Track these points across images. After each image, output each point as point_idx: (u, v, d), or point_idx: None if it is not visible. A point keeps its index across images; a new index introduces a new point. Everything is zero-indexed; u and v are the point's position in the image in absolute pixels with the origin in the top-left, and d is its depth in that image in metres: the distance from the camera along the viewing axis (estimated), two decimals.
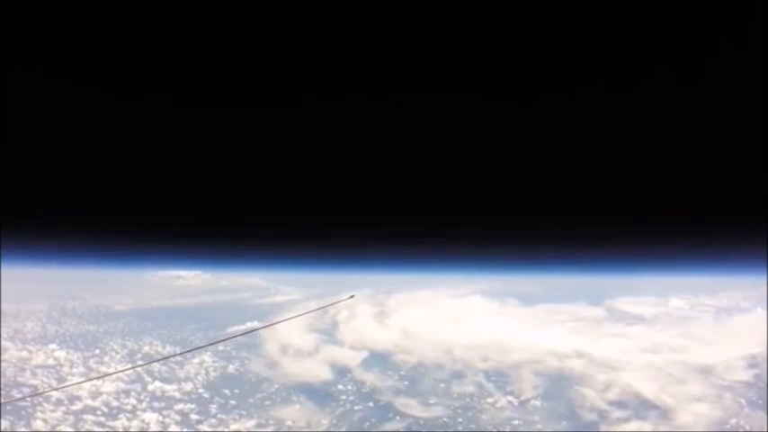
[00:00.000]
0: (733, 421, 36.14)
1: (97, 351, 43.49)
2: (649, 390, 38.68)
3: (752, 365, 39.34)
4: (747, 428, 35.70)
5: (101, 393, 39.02)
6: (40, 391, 38.97)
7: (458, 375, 41.99)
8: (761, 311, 43.71)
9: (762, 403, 36.83)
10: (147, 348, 44.91)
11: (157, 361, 44.16)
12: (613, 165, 3.66)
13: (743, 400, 37.39)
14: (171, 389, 40.66)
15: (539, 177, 3.89)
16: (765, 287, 39.69)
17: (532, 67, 2.94)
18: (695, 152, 3.44)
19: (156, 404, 39.20)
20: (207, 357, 44.24)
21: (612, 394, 39.08)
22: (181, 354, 45.24)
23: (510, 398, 40.19)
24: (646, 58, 2.84)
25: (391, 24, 2.72)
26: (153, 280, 55.59)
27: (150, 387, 40.78)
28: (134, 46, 2.88)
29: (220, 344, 45.99)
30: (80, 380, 41.50)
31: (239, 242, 5.88)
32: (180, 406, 39.41)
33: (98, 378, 41.95)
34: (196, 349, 45.99)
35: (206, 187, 4.30)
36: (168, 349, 44.91)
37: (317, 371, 43.00)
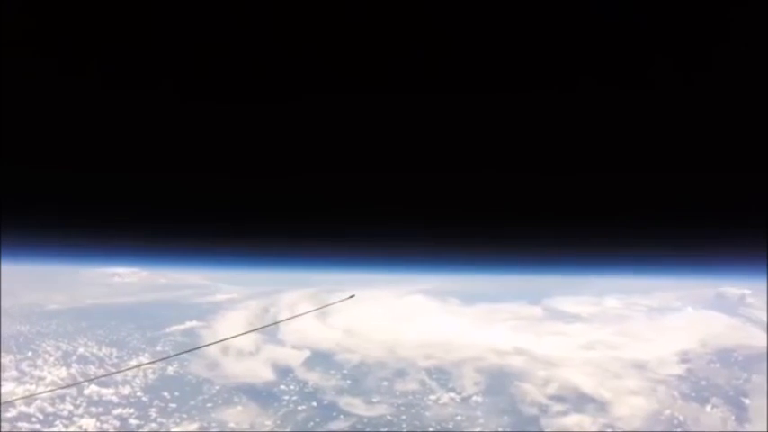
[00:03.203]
0: (667, 412, 39.72)
1: (30, 353, 44.00)
2: (587, 384, 41.97)
3: (684, 360, 42.99)
4: (681, 419, 38.53)
5: (35, 399, 39.56)
6: (43, 390, 39.76)
7: (401, 373, 44.35)
8: (691, 310, 47.08)
9: (695, 396, 39.50)
10: (82, 350, 45.64)
11: (179, 355, 44.42)
12: (610, 165, 3.73)
13: (676, 393, 41.09)
14: (108, 393, 41.40)
15: (538, 178, 3.96)
16: (694, 289, 42.67)
17: (525, 67, 3.03)
18: (694, 152, 3.51)
19: (93, 409, 40.08)
20: (144, 359, 45.22)
21: (552, 389, 42.14)
22: (189, 351, 45.45)
23: (452, 394, 42.77)
24: (644, 57, 2.92)
25: (389, 24, 2.83)
26: (88, 277, 55.30)
27: (86, 391, 41.46)
28: (131, 44, 3.01)
29: (158, 345, 46.15)
30: (81, 380, 41.91)
31: (182, 239, 5.96)
32: (118, 410, 40.34)
33: (112, 374, 42.32)
34: (208, 345, 46.16)
35: (151, 180, 4.39)
36: (104, 351, 45.61)
37: (258, 371, 44.43)
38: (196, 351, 45.88)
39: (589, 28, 2.81)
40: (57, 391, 40.62)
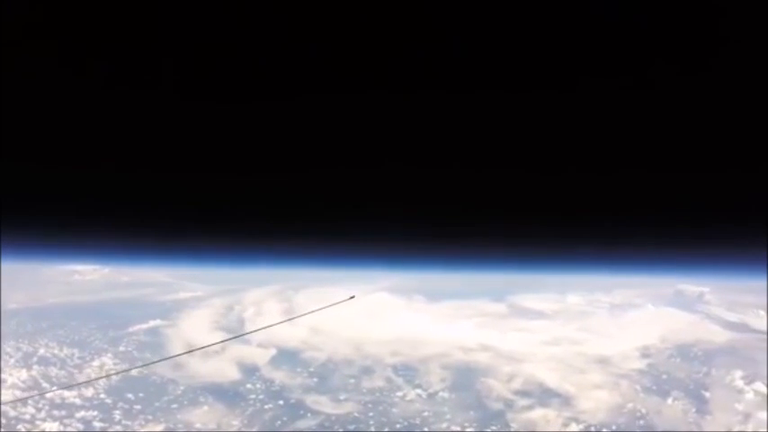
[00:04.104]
0: (630, 405, 40.82)
1: None
2: (552, 379, 43.00)
3: (645, 355, 44.19)
4: (644, 411, 39.99)
5: None
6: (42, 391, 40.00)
7: (367, 371, 44.94)
8: (651, 307, 48.19)
9: (656, 389, 40.72)
10: (42, 351, 45.37)
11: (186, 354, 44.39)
12: (610, 165, 3.76)
13: (638, 387, 42.32)
14: (71, 395, 41.40)
15: (538, 178, 3.98)
16: (654, 287, 43.61)
17: (525, 67, 3.07)
18: (694, 152, 3.52)
19: (56, 412, 40.12)
20: (107, 360, 45.36)
21: (517, 384, 42.98)
22: (196, 349, 45.45)
23: (419, 391, 43.36)
24: (645, 57, 2.95)
25: (390, 23, 2.88)
26: (48, 275, 54.64)
27: (49, 394, 41.49)
28: (131, 44, 3.07)
29: (121, 345, 46.13)
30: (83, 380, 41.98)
31: (183, 239, 5.86)
32: (81, 413, 40.41)
33: (116, 374, 42.28)
34: (221, 342, 46.10)
35: (151, 180, 4.46)
36: (66, 351, 45.37)
37: (224, 370, 44.44)
38: (159, 351, 45.76)
39: (589, 28, 2.86)
40: (10, 397, 40.62)
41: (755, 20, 2.75)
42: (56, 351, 45.56)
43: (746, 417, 38.63)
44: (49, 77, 3.39)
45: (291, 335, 46.54)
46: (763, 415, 38.11)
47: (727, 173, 3.67)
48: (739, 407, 39.37)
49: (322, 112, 3.57)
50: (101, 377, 42.84)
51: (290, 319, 51.83)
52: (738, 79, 3.03)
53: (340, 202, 4.56)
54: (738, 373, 41.03)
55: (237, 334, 49.57)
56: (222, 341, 46.93)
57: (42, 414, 39.86)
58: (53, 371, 43.83)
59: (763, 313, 45.55)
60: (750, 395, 39.70)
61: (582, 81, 3.18)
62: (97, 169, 4.21)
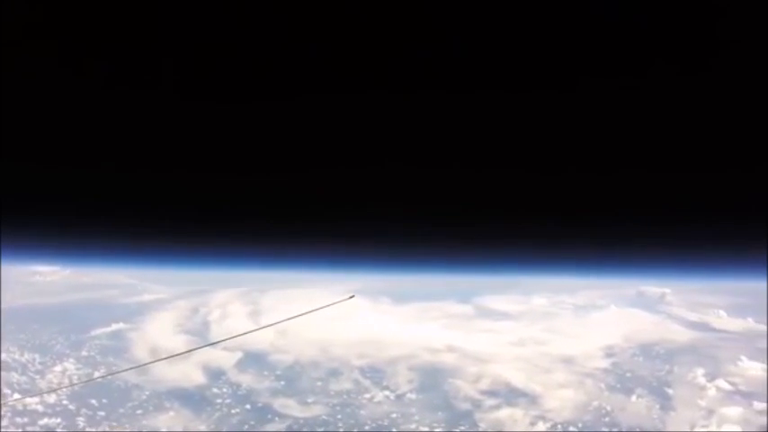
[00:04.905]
0: (595, 403, 41.52)
1: None
2: (518, 379, 43.37)
3: (609, 355, 45.01)
4: (609, 409, 40.93)
5: None
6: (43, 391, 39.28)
7: (334, 373, 44.78)
8: (614, 308, 49.15)
9: (620, 387, 41.63)
10: (4, 356, 43.95)
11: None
12: (609, 165, 3.77)
13: (603, 385, 42.94)
14: (32, 402, 40.47)
15: (538, 177, 4.00)
16: (616, 288, 44.55)
17: (525, 67, 3.09)
18: (694, 152, 3.54)
19: (18, 419, 39.14)
20: (70, 365, 44.42)
21: (484, 385, 43.26)
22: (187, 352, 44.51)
23: (387, 392, 43.53)
24: (643, 55, 2.95)
25: (390, 23, 2.91)
26: (7, 276, 52.99)
27: (9, 401, 40.80)
28: (131, 44, 3.11)
29: (83, 349, 45.31)
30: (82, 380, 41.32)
31: (184, 239, 5.94)
32: (44, 421, 39.53)
33: (104, 377, 41.29)
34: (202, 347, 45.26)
35: (151, 180, 4.50)
36: (27, 356, 44.34)
37: (189, 374, 43.80)
38: (123, 356, 45.11)
39: (589, 28, 2.88)
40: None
41: (755, 20, 2.78)
42: (16, 356, 44.39)
43: (710, 412, 39.54)
44: (49, 77, 3.41)
45: (257, 338, 46.15)
46: (725, 410, 39.29)
47: (727, 173, 3.72)
48: (702, 403, 40.29)
49: (322, 112, 3.59)
50: (85, 382, 42.16)
51: (284, 321, 51.37)
52: (738, 79, 3.06)
53: (340, 202, 4.58)
54: (700, 371, 41.95)
55: (222, 339, 49.27)
56: (206, 345, 46.62)
57: (5, 422, 38.58)
58: (14, 377, 42.73)
59: (722, 313, 46.98)
60: (712, 391, 40.71)
61: (582, 81, 3.23)
62: (97, 169, 4.24)
